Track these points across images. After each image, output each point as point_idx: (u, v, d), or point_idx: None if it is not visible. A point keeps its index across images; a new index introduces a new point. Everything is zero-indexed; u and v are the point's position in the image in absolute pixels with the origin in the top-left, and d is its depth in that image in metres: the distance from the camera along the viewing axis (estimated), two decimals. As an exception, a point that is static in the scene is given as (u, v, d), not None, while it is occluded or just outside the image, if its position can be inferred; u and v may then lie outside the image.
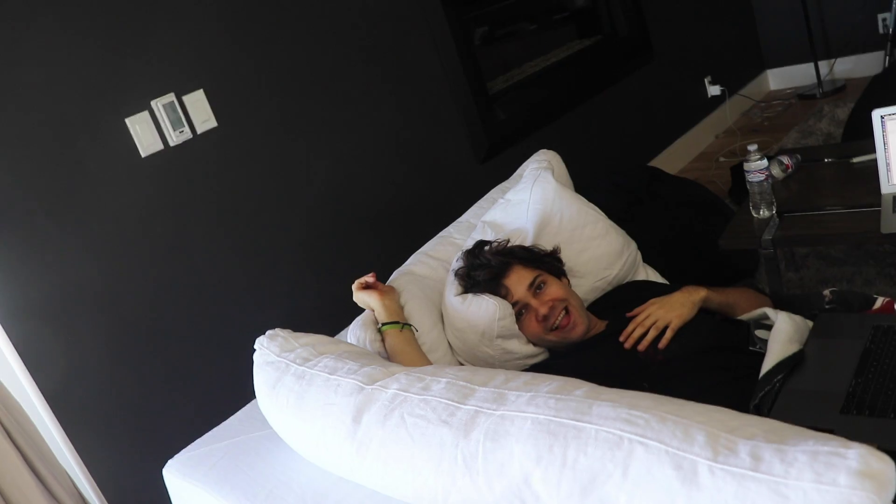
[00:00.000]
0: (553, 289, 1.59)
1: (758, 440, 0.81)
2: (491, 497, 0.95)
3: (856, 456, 0.74)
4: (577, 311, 1.59)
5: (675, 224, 2.64)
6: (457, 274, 1.64)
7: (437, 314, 1.64)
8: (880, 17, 4.23)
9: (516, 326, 1.58)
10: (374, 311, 1.62)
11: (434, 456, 1.01)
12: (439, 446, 1.01)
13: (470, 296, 1.57)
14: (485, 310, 1.54)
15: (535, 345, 1.62)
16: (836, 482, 0.72)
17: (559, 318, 1.56)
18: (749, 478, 0.76)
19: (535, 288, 1.59)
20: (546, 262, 1.64)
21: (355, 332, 1.61)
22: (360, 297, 1.65)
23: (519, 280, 1.59)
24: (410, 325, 1.58)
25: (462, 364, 1.64)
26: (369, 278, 1.66)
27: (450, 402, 1.05)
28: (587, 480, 0.86)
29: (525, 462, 0.91)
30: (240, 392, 2.04)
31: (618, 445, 0.86)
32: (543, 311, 1.56)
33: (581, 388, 0.99)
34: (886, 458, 0.75)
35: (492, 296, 1.57)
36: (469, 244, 1.72)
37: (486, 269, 1.60)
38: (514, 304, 1.59)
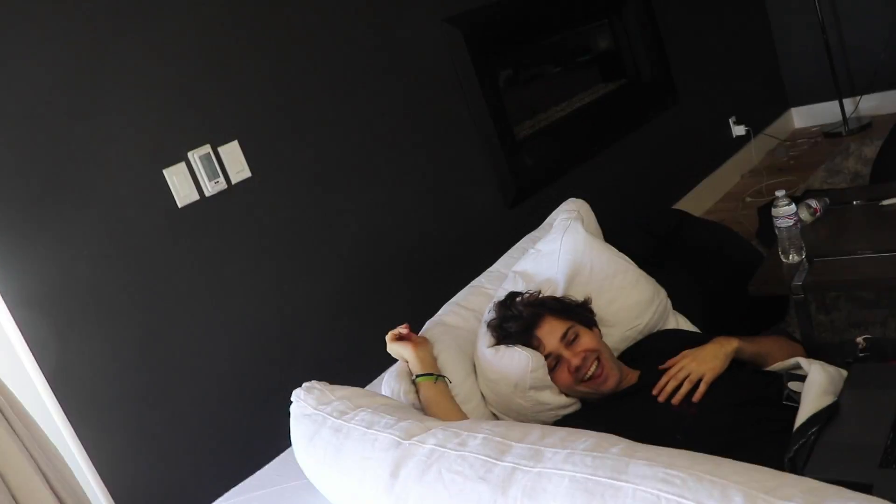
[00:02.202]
0: (585, 340, 1.61)
1: (796, 501, 0.81)
2: (529, 555, 0.96)
3: (895, 519, 0.75)
4: (608, 363, 1.60)
5: (703, 269, 2.64)
6: (489, 325, 1.66)
7: (469, 365, 1.66)
8: (904, 55, 4.24)
9: (549, 378, 1.59)
10: (407, 362, 1.65)
11: (473, 513, 1.02)
12: (477, 503, 1.02)
13: (503, 347, 1.59)
14: (517, 361, 1.55)
15: (567, 395, 1.63)
16: (878, 546, 0.73)
17: (592, 370, 1.58)
18: (789, 540, 0.77)
19: (567, 339, 1.61)
20: (577, 313, 1.66)
21: (390, 384, 1.63)
22: (393, 348, 1.67)
23: (551, 331, 1.61)
24: (444, 377, 1.60)
25: (495, 414, 1.65)
26: (403, 329, 1.68)
27: (487, 459, 1.06)
28: (626, 540, 0.87)
29: (563, 521, 0.92)
30: (272, 438, 2.07)
31: (656, 505, 0.87)
32: (576, 362, 1.58)
33: (617, 446, 1.00)
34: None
35: (524, 347, 1.58)
36: (500, 294, 1.74)
37: (518, 320, 1.62)
38: (546, 356, 1.60)
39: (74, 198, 1.99)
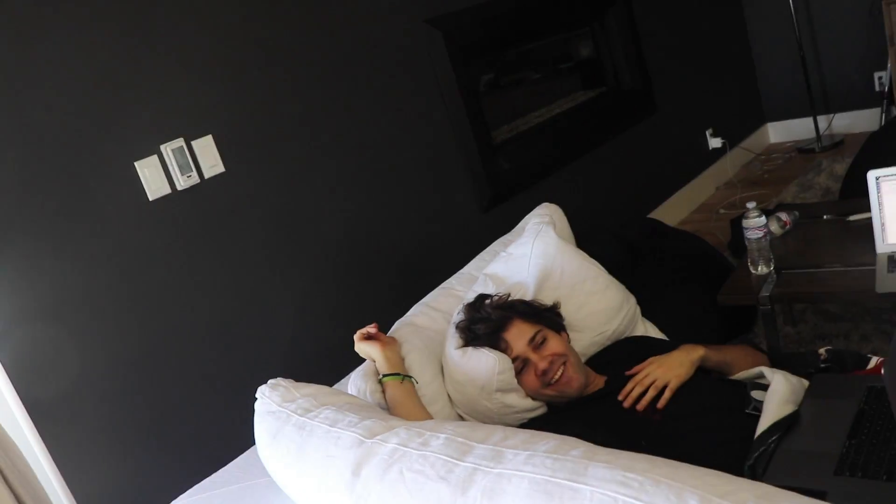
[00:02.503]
0: (553, 344, 1.62)
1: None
2: (487, 555, 0.96)
3: (842, 525, 0.76)
4: (574, 368, 1.61)
5: (674, 278, 2.66)
6: (458, 327, 1.67)
7: (437, 366, 1.67)
8: (876, 75, 4.32)
9: (515, 381, 1.60)
10: (374, 361, 1.64)
11: (432, 512, 1.03)
12: (437, 503, 1.03)
13: (470, 349, 1.60)
14: (484, 364, 1.56)
15: (533, 399, 1.64)
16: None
17: (558, 374, 1.59)
18: (740, 544, 0.78)
19: (535, 343, 1.62)
20: (546, 318, 1.67)
21: (356, 383, 1.63)
22: (361, 347, 1.67)
23: (519, 335, 1.62)
24: (411, 378, 1.60)
25: (461, 416, 1.65)
26: (371, 329, 1.68)
27: (448, 459, 1.06)
28: (582, 542, 0.87)
29: (521, 521, 0.93)
30: (238, 437, 2.05)
31: (612, 508, 0.87)
32: (543, 365, 1.58)
33: (577, 449, 1.01)
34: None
35: (491, 350, 1.59)
36: (470, 297, 1.74)
37: (486, 322, 1.63)
38: (514, 359, 1.61)
39: (41, 188, 1.96)
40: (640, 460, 0.96)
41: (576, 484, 0.92)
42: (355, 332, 1.68)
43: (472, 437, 1.10)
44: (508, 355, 1.61)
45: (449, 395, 1.65)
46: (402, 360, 1.64)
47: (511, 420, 1.62)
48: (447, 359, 1.65)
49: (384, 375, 1.59)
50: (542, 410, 1.65)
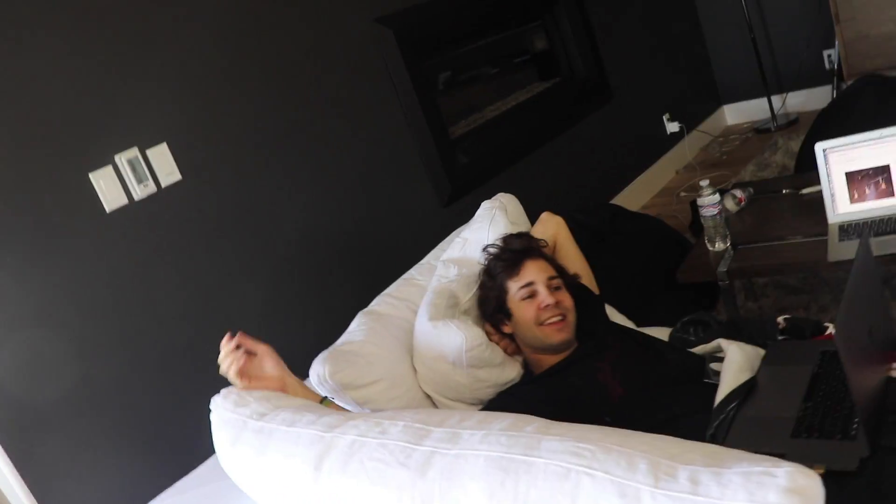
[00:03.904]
0: (565, 296, 1.71)
1: (696, 465, 0.84)
2: (448, 535, 0.97)
3: (784, 474, 0.78)
4: (570, 326, 1.68)
5: (636, 260, 2.70)
6: (487, 247, 1.77)
7: (402, 351, 1.66)
8: (825, 52, 4.40)
9: (486, 356, 1.61)
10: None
11: (393, 498, 1.03)
12: (398, 488, 1.03)
13: (440, 323, 1.60)
14: (453, 339, 1.57)
15: (507, 353, 1.69)
16: (767, 500, 0.76)
17: (555, 318, 1.65)
18: (688, 501, 0.79)
19: (551, 284, 1.69)
20: (567, 278, 1.77)
21: (315, 368, 1.60)
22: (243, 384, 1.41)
23: (541, 269, 1.71)
24: (328, 398, 1.49)
25: (429, 397, 1.65)
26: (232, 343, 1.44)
27: (406, 445, 1.07)
28: (538, 513, 0.88)
29: (479, 498, 0.94)
30: (206, 442, 2.04)
31: (565, 477, 0.88)
32: (549, 301, 1.66)
33: (531, 424, 1.02)
34: (813, 475, 0.79)
35: (461, 325, 1.60)
36: (435, 282, 1.77)
37: (522, 240, 1.75)
38: (526, 285, 1.68)
39: (-7, 204, 1.93)
40: (593, 431, 0.97)
41: (530, 458, 0.93)
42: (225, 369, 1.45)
43: (429, 421, 1.11)
44: (520, 280, 1.67)
45: (419, 375, 1.64)
46: (299, 382, 1.49)
47: (483, 394, 1.64)
48: (418, 334, 1.65)
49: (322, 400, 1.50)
50: (512, 383, 1.67)
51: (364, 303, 2.00)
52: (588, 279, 1.90)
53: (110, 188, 2.13)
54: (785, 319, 1.72)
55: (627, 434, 0.95)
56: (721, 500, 0.78)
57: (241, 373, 1.41)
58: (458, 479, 0.97)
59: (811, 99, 4.50)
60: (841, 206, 2.08)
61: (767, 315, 2.59)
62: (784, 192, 2.51)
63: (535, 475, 0.91)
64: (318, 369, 1.55)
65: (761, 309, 2.63)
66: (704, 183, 2.20)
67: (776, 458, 0.82)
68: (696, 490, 0.80)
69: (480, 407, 1.63)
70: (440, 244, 2.03)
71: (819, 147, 2.10)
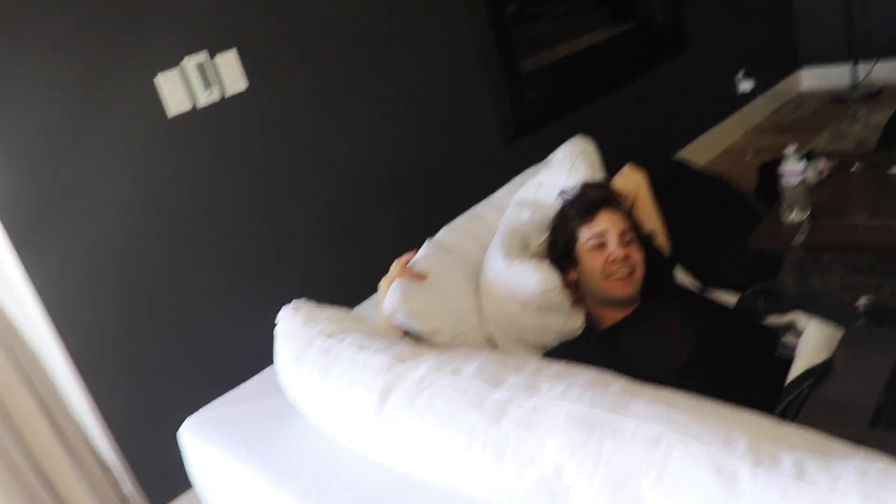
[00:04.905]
0: (636, 252, 1.66)
1: (801, 451, 0.79)
2: (519, 486, 0.94)
3: (906, 476, 0.73)
4: (637, 281, 1.64)
5: (701, 220, 2.61)
6: (564, 191, 1.72)
7: (469, 286, 1.62)
8: (924, 22, 4.15)
9: (557, 301, 1.57)
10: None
11: (462, 440, 1.00)
12: (468, 431, 1.00)
13: (516, 262, 1.56)
14: (529, 279, 1.52)
15: (575, 305, 1.64)
16: (887, 502, 0.71)
17: (623, 272, 1.61)
18: (793, 488, 0.75)
19: (624, 239, 1.64)
20: (641, 234, 1.72)
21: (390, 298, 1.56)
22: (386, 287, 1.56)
23: (615, 221, 1.66)
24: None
25: (491, 336, 1.61)
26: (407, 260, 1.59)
27: (481, 387, 1.03)
28: (622, 478, 0.85)
29: (558, 455, 0.90)
30: (256, 355, 2.04)
31: (656, 445, 0.84)
32: (618, 254, 1.62)
33: (616, 384, 0.98)
34: (935, 481, 0.73)
35: (539, 265, 1.55)
36: (507, 221, 1.72)
37: (603, 189, 1.70)
38: (596, 235, 1.64)
39: (60, 93, 1.90)
40: (682, 399, 0.93)
41: (618, 418, 0.89)
42: (394, 261, 1.59)
43: (505, 366, 1.07)
44: (592, 229, 1.64)
45: (484, 313, 1.60)
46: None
47: (547, 339, 1.60)
48: (489, 271, 1.60)
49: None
50: (577, 333, 1.63)
51: (417, 233, 1.95)
52: (662, 239, 1.83)
53: (174, 92, 2.08)
54: (866, 302, 1.64)
55: (720, 408, 0.90)
56: (832, 492, 0.73)
57: (406, 265, 1.55)
58: (536, 431, 0.94)
59: (899, 71, 4.27)
60: (935, 189, 1.97)
61: (831, 291, 2.50)
62: (870, 168, 2.39)
63: (621, 438, 0.87)
64: (391, 297, 1.51)
65: (826, 286, 2.54)
66: (791, 150, 2.09)
67: (893, 459, 0.77)
68: (802, 477, 0.76)
69: (542, 354, 1.60)
70: (511, 182, 1.96)
71: (921, 124, 1.97)
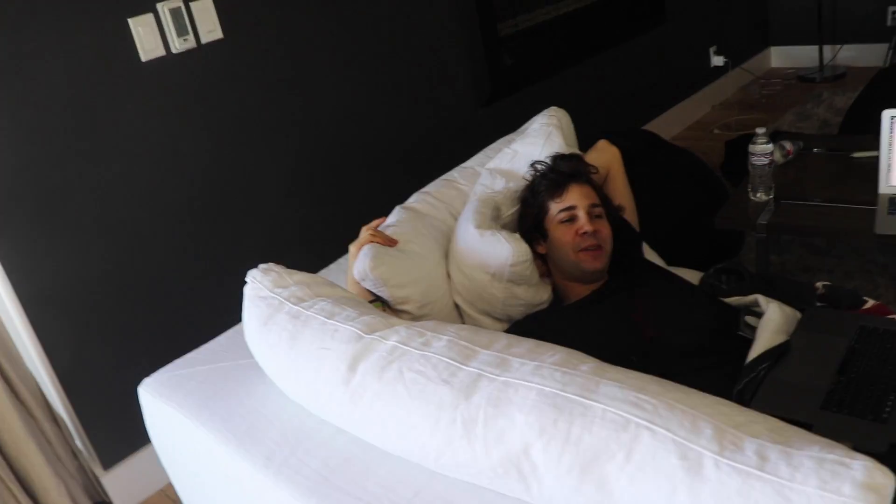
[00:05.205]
0: (605, 227, 1.66)
1: (763, 439, 0.82)
2: (487, 463, 0.95)
3: (861, 468, 0.75)
4: (605, 256, 1.65)
5: (665, 194, 2.63)
6: (535, 163, 1.71)
7: (439, 254, 1.61)
8: (890, 8, 4.20)
9: (528, 273, 1.57)
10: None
11: (431, 415, 1.01)
12: (438, 406, 1.00)
13: (488, 233, 1.55)
14: (500, 251, 1.51)
15: (543, 279, 1.65)
16: (841, 491, 0.73)
17: (592, 245, 1.61)
18: (754, 476, 0.77)
19: (592, 212, 1.65)
20: (610, 208, 1.72)
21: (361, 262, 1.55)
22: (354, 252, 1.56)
23: (585, 195, 1.65)
24: (379, 301, 1.54)
25: (457, 306, 1.62)
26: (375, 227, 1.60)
27: (451, 362, 1.04)
28: (589, 458, 0.86)
29: (527, 433, 0.91)
30: (222, 316, 2.02)
31: (624, 428, 0.86)
32: (587, 228, 1.61)
33: (586, 364, 0.99)
34: (889, 474, 0.76)
35: (510, 237, 1.55)
36: (479, 190, 1.71)
37: (574, 162, 1.68)
38: (566, 208, 1.63)
39: (28, 42, 1.82)
40: (651, 382, 0.94)
41: (587, 400, 0.90)
42: (362, 225, 1.59)
43: (476, 341, 1.07)
44: (562, 204, 1.63)
45: (452, 281, 1.60)
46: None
47: (513, 311, 1.61)
48: (461, 240, 1.59)
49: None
50: (544, 307, 1.64)
51: (389, 195, 1.94)
52: (631, 216, 1.84)
53: (148, 37, 2.02)
54: (824, 286, 1.68)
55: (688, 392, 0.92)
56: (791, 482, 0.76)
57: (376, 231, 1.56)
58: (506, 408, 0.95)
59: (864, 55, 4.34)
60: (896, 177, 2.02)
61: (789, 271, 2.56)
62: (825, 150, 2.44)
63: (591, 419, 0.88)
64: (361, 262, 1.49)
65: (784, 265, 2.60)
66: (761, 130, 2.11)
67: (848, 448, 0.79)
68: (764, 466, 0.78)
69: (507, 326, 1.61)
70: (485, 150, 1.95)
71: (887, 114, 2.01)
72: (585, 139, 2.52)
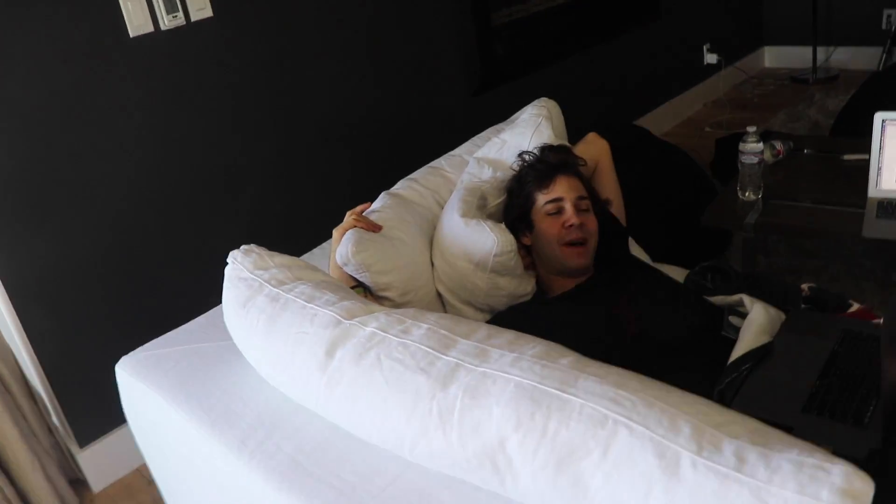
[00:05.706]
0: (591, 220, 1.65)
1: (742, 440, 0.81)
2: (462, 454, 0.94)
3: (840, 473, 0.74)
4: (590, 251, 1.64)
5: (654, 191, 2.63)
6: (523, 153, 1.69)
7: (424, 241, 1.59)
8: (886, 12, 4.20)
9: (511, 264, 1.56)
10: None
11: (408, 403, 0.99)
12: (414, 394, 0.99)
13: (473, 222, 1.53)
14: (484, 241, 1.50)
15: (526, 271, 1.63)
16: (819, 496, 0.72)
17: (578, 237, 1.60)
18: (732, 478, 0.76)
19: (579, 206, 1.63)
20: (596, 201, 1.71)
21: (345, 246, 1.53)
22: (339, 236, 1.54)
23: (572, 188, 1.63)
24: (361, 287, 1.53)
25: (440, 294, 1.60)
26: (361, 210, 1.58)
27: (430, 350, 1.02)
28: (565, 454, 0.85)
29: (504, 425, 0.90)
30: (201, 297, 1.99)
31: (602, 424, 0.85)
32: (573, 221, 1.60)
33: (566, 358, 0.97)
34: (867, 480, 0.75)
35: (495, 227, 1.53)
36: (466, 178, 1.68)
37: (563, 154, 1.67)
38: (552, 200, 1.61)
39: (11, 12, 1.78)
40: (630, 378, 0.93)
41: (565, 395, 0.89)
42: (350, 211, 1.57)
43: (455, 330, 1.06)
44: (549, 195, 1.61)
45: (435, 269, 1.58)
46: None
47: (496, 302, 1.59)
48: (446, 228, 1.57)
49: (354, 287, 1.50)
50: (526, 298, 1.63)
51: (376, 181, 1.92)
52: (619, 211, 1.83)
53: (137, 12, 1.98)
54: (809, 288, 1.67)
55: (668, 390, 0.91)
56: (768, 484, 0.74)
57: (361, 216, 1.53)
58: (484, 399, 0.93)
59: (857, 57, 4.34)
60: (886, 181, 2.01)
61: (776, 272, 2.56)
62: (815, 152, 2.43)
63: (568, 414, 0.87)
64: (344, 247, 1.47)
65: (771, 266, 2.60)
66: (752, 129, 2.10)
67: (828, 452, 0.78)
68: (742, 468, 0.77)
69: (489, 317, 1.59)
70: (473, 139, 1.93)
71: (879, 117, 2.01)
72: (575, 132, 2.51)
